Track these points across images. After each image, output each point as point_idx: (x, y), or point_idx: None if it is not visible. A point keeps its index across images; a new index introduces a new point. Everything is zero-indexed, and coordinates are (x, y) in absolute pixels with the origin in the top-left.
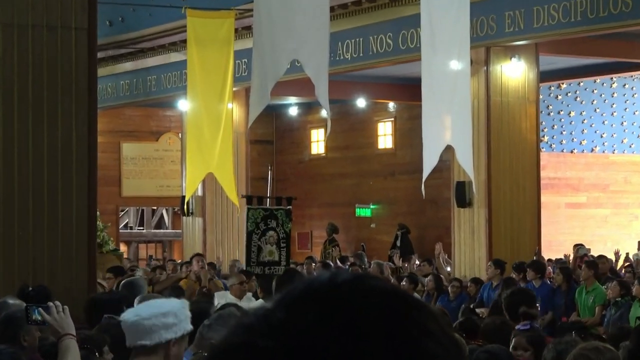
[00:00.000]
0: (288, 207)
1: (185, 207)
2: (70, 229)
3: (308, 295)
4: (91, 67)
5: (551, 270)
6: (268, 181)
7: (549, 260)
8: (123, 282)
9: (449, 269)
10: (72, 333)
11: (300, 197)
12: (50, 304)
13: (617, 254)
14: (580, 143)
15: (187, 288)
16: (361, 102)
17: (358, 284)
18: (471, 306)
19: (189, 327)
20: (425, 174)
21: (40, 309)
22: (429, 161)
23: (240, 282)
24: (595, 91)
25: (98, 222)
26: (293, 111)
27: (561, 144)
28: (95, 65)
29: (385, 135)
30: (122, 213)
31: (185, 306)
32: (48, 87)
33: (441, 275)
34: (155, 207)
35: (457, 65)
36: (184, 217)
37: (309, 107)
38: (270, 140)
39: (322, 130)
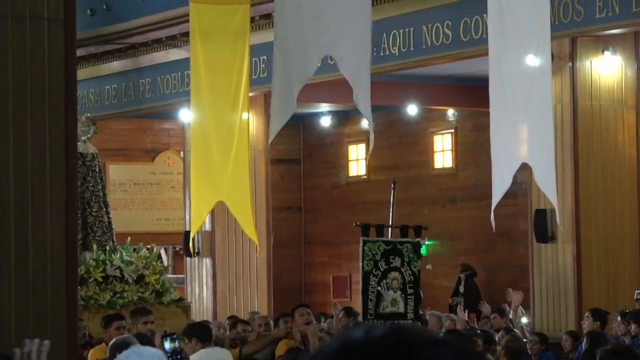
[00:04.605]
0: (417, 239)
1: (189, 245)
2: (44, 275)
3: (344, 355)
4: (69, 68)
5: None
6: (390, 204)
7: None
8: (112, 343)
9: (525, 320)
10: None
11: (335, 231)
12: (16, 350)
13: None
14: None
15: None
16: (412, 109)
17: (399, 337)
18: None
19: None
20: (495, 201)
21: None
22: (500, 184)
23: None
24: None
25: (155, 262)
26: (325, 122)
27: None
28: (74, 66)
29: (443, 151)
30: None
31: None
32: (14, 94)
33: (515, 330)
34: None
35: (535, 61)
36: (188, 258)
37: (345, 117)
38: (296, 159)
39: (362, 146)
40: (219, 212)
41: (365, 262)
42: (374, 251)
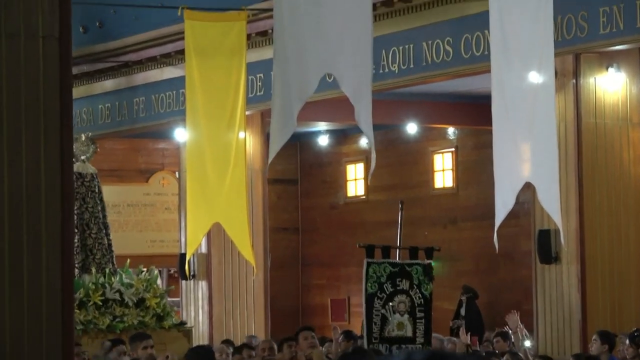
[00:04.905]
0: (427, 261)
1: (185, 268)
2: (39, 299)
3: None
4: (64, 87)
5: None
6: (398, 225)
7: None
8: None
9: (528, 343)
10: None
11: (333, 252)
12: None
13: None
14: None
15: None
16: (412, 128)
17: None
18: None
19: None
20: (498, 221)
21: None
22: (503, 204)
23: None
24: None
25: (155, 285)
26: (323, 141)
27: None
28: (70, 85)
29: (443, 171)
30: None
31: None
32: (8, 114)
33: (519, 354)
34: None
35: (538, 78)
36: (184, 281)
37: (343, 136)
38: (293, 179)
39: (361, 165)
40: (215, 234)
41: (369, 284)
42: (379, 273)
